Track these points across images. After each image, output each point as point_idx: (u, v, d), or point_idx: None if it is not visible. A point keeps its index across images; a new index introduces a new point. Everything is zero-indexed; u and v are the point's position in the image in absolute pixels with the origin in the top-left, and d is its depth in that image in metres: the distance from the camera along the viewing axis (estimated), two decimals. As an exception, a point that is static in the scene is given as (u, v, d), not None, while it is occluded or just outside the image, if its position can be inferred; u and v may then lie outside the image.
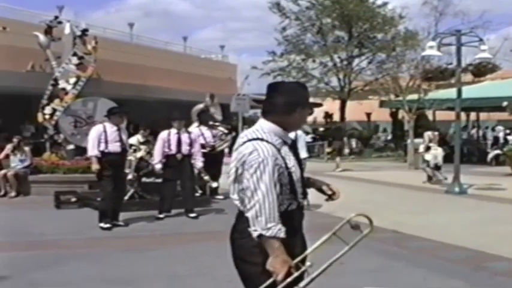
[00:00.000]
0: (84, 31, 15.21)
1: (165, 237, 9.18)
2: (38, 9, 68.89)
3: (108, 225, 9.51)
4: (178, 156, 10.56)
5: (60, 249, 8.16)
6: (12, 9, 26.38)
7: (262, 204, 3.18)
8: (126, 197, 11.04)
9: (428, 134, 18.08)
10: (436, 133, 19.10)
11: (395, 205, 12.71)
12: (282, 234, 3.20)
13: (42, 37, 14.80)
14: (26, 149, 14.30)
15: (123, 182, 10.35)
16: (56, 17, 16.00)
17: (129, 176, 11.41)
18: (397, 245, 8.46)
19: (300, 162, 3.50)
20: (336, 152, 23.24)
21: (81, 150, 13.33)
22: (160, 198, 10.93)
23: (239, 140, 3.44)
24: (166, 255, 7.75)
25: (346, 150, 30.10)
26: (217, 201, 12.40)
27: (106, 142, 9.61)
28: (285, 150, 3.40)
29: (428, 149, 17.34)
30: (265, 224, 3.18)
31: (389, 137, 35.91)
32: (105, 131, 9.65)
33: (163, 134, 10.68)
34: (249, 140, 3.34)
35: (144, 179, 12.05)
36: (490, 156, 24.00)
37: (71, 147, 14.48)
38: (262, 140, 3.31)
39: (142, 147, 12.44)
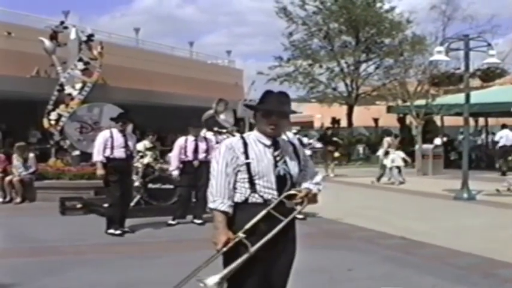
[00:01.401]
0: (90, 36, 15.24)
1: (171, 244, 9.13)
2: (44, 14, 69.24)
3: (118, 232, 9.46)
4: (195, 163, 10.52)
5: (65, 256, 8.12)
6: (17, 14, 26.40)
7: (214, 181, 3.75)
8: (132, 203, 10.97)
9: (387, 140, 18.91)
10: (396, 139, 20.58)
11: (402, 211, 12.63)
12: (224, 208, 3.66)
13: (47, 42, 14.83)
14: (31, 155, 14.25)
15: (130, 188, 10.29)
16: (62, 22, 16.07)
17: (136, 183, 11.37)
18: (405, 251, 8.37)
19: (276, 161, 3.77)
20: (326, 157, 22.92)
21: (87, 156, 13.30)
22: (174, 204, 10.86)
23: None
24: (172, 262, 7.67)
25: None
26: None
27: (112, 148, 9.58)
28: (259, 146, 3.77)
29: (387, 153, 18.33)
30: (213, 197, 3.72)
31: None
32: (111, 137, 9.63)
33: (180, 141, 10.67)
34: None
35: (150, 185, 11.99)
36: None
37: (77, 153, 14.46)
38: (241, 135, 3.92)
39: (148, 153, 12.39)
